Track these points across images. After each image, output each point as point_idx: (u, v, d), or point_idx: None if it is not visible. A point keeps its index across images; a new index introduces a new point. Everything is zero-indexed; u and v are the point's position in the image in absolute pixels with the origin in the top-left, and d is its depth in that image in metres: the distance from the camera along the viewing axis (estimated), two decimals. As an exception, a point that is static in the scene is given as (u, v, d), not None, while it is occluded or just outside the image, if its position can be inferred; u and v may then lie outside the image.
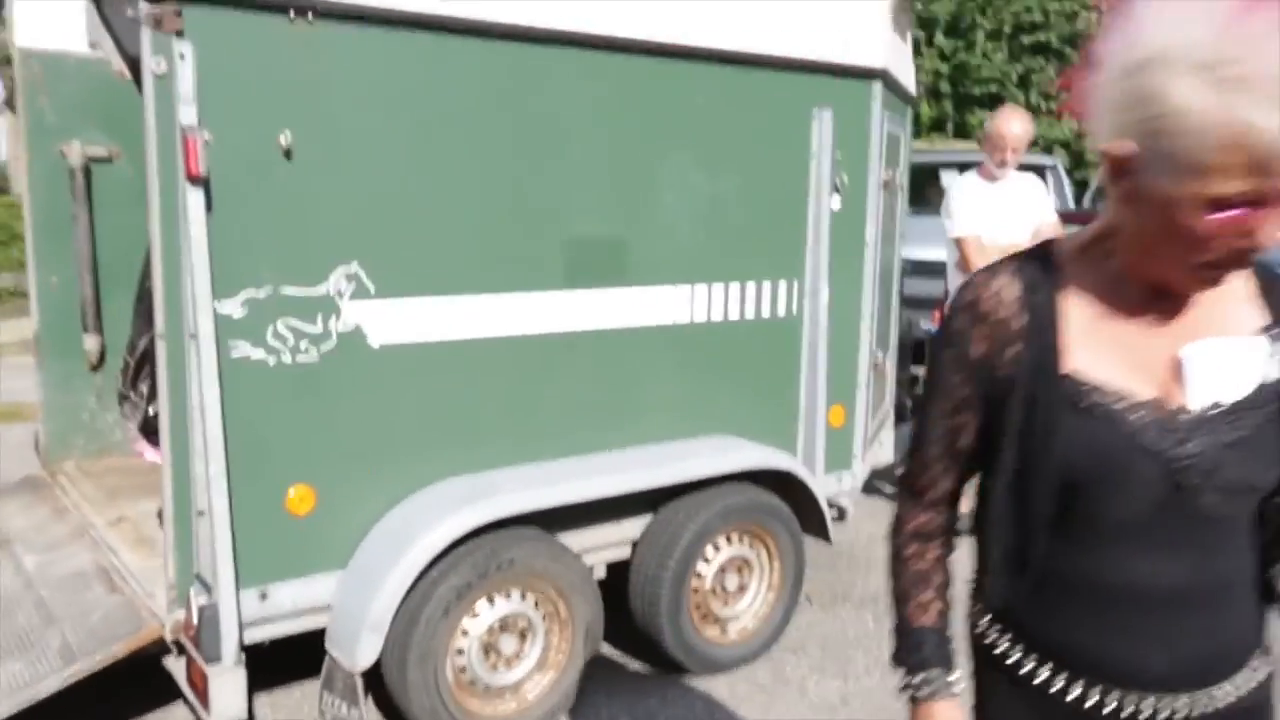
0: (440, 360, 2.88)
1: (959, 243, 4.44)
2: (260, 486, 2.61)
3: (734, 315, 3.53)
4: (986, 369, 1.26)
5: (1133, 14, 1.07)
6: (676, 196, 3.30)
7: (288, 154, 2.53)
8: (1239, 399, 1.18)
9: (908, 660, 1.38)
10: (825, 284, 3.68)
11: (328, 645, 2.76)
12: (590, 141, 3.08)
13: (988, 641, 1.36)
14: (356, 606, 2.70)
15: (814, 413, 3.73)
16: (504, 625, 2.96)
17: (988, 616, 1.36)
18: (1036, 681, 1.30)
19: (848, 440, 3.92)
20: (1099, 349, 1.21)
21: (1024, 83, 15.12)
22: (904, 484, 1.42)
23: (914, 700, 1.37)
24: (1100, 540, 1.23)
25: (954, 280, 4.57)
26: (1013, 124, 4.40)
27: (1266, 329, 1.21)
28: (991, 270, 1.28)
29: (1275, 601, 1.31)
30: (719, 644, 3.42)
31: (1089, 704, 1.28)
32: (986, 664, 1.38)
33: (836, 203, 3.70)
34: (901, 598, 1.40)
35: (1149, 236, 1.13)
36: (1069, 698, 1.28)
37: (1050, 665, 1.30)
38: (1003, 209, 4.45)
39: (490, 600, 2.92)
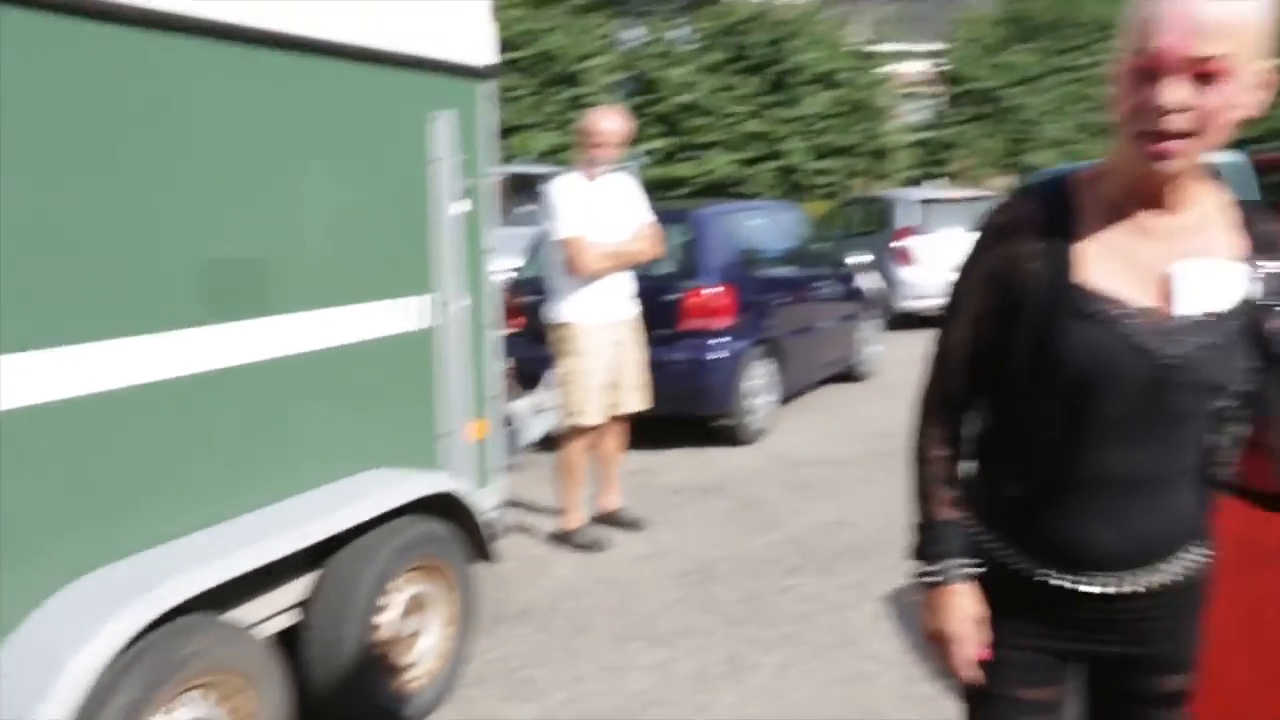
0: (50, 424, 2.29)
1: (565, 244, 4.51)
2: None
3: (368, 335, 3.26)
4: (1006, 281, 1.46)
5: None
6: (295, 211, 2.96)
7: None
8: (1216, 311, 1.41)
9: (929, 551, 1.57)
10: (456, 295, 3.55)
11: None
12: (183, 150, 2.62)
13: (980, 542, 1.57)
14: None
15: (457, 430, 3.58)
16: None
17: (978, 518, 1.57)
18: (1022, 574, 1.53)
19: (489, 454, 3.82)
20: (1102, 264, 1.42)
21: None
22: (926, 394, 1.59)
23: (935, 585, 1.56)
24: (1088, 436, 1.44)
25: (557, 281, 4.62)
26: (607, 121, 4.56)
27: (1243, 256, 1.43)
28: (1018, 196, 1.50)
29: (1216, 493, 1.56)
30: (409, 694, 3.17)
31: (1062, 584, 1.51)
32: (977, 546, 1.58)
33: (461, 209, 3.58)
34: (924, 496, 1.58)
35: (1123, 127, 1.36)
36: (1055, 584, 1.51)
37: (1033, 556, 1.53)
38: (603, 207, 4.60)
39: (168, 712, 2.41)
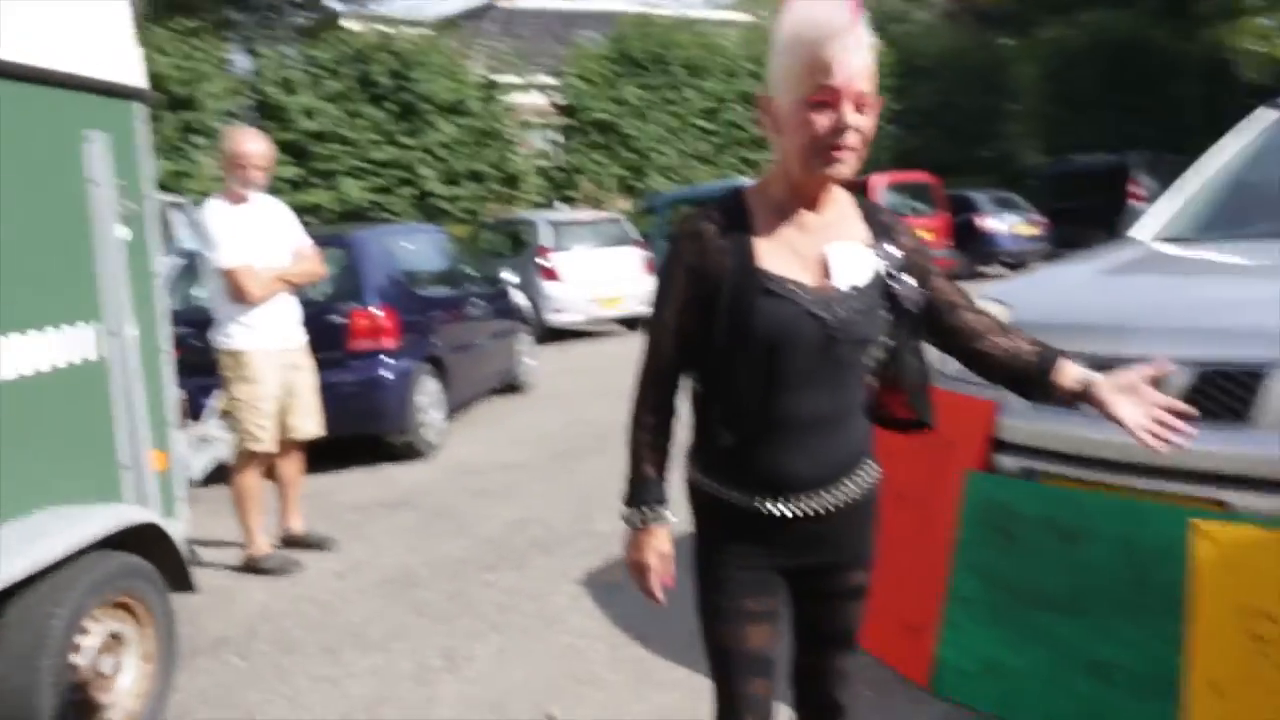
0: None
1: (229, 272, 4.36)
2: None
3: (31, 368, 3.02)
4: (703, 274, 1.77)
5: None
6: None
7: None
8: (860, 283, 1.79)
9: (637, 500, 1.87)
10: (125, 323, 3.37)
11: None
12: None
13: (703, 488, 1.87)
14: None
15: (139, 460, 3.40)
16: None
17: (700, 470, 1.87)
18: (739, 505, 1.83)
19: (172, 484, 3.64)
20: (776, 253, 1.77)
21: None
22: (642, 370, 1.86)
23: (639, 527, 1.88)
24: (784, 387, 1.78)
25: (222, 309, 4.45)
26: (252, 143, 4.47)
27: (869, 242, 1.84)
28: (705, 208, 1.82)
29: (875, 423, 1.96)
30: None
31: (772, 511, 1.82)
32: (703, 505, 1.88)
33: (124, 233, 3.40)
34: (635, 455, 1.88)
35: (792, 146, 1.71)
36: (765, 511, 1.82)
37: (749, 491, 1.82)
38: (260, 231, 4.49)
39: None
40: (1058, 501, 2.94)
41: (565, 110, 18.54)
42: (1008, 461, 3.15)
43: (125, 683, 3.08)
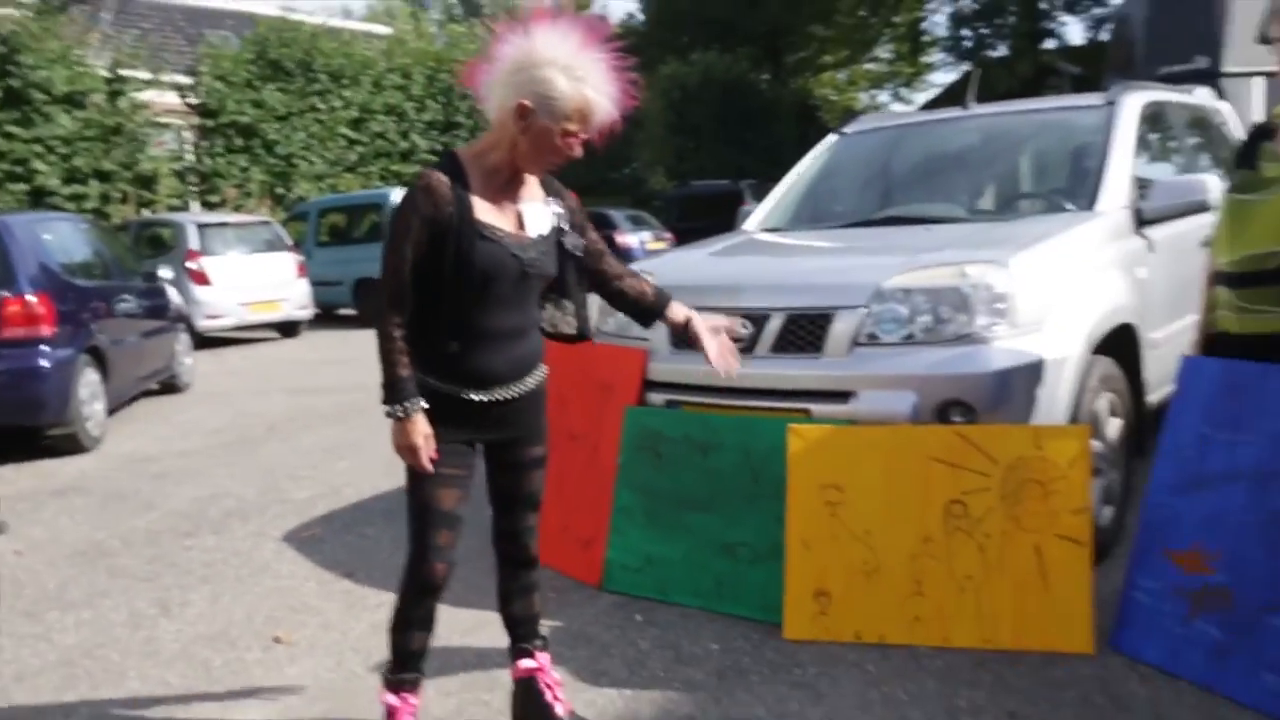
0: None
1: None
2: None
3: None
4: (434, 221, 2.33)
5: (520, 37, 2.29)
6: None
7: None
8: (544, 231, 2.48)
9: (396, 398, 2.37)
10: None
11: None
12: None
13: (429, 386, 2.41)
14: None
15: None
16: None
17: (420, 369, 2.40)
18: (454, 397, 2.43)
19: None
20: (487, 208, 2.39)
21: None
22: (386, 294, 2.37)
23: (401, 418, 2.37)
24: (491, 307, 2.41)
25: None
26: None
27: (547, 202, 2.53)
28: (430, 168, 2.39)
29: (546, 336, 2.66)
30: None
31: (476, 399, 2.46)
32: (429, 398, 2.41)
33: None
34: (388, 361, 2.36)
35: (533, 148, 2.35)
36: (471, 399, 2.45)
37: (461, 384, 2.43)
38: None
39: None
40: (695, 423, 3.76)
41: (202, 111, 17.78)
42: (656, 397, 3.95)
43: None
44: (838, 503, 3.36)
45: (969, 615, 3.20)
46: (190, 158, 17.79)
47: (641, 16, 37.95)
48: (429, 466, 2.41)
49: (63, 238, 6.98)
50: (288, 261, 12.56)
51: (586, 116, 2.31)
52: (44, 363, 6.00)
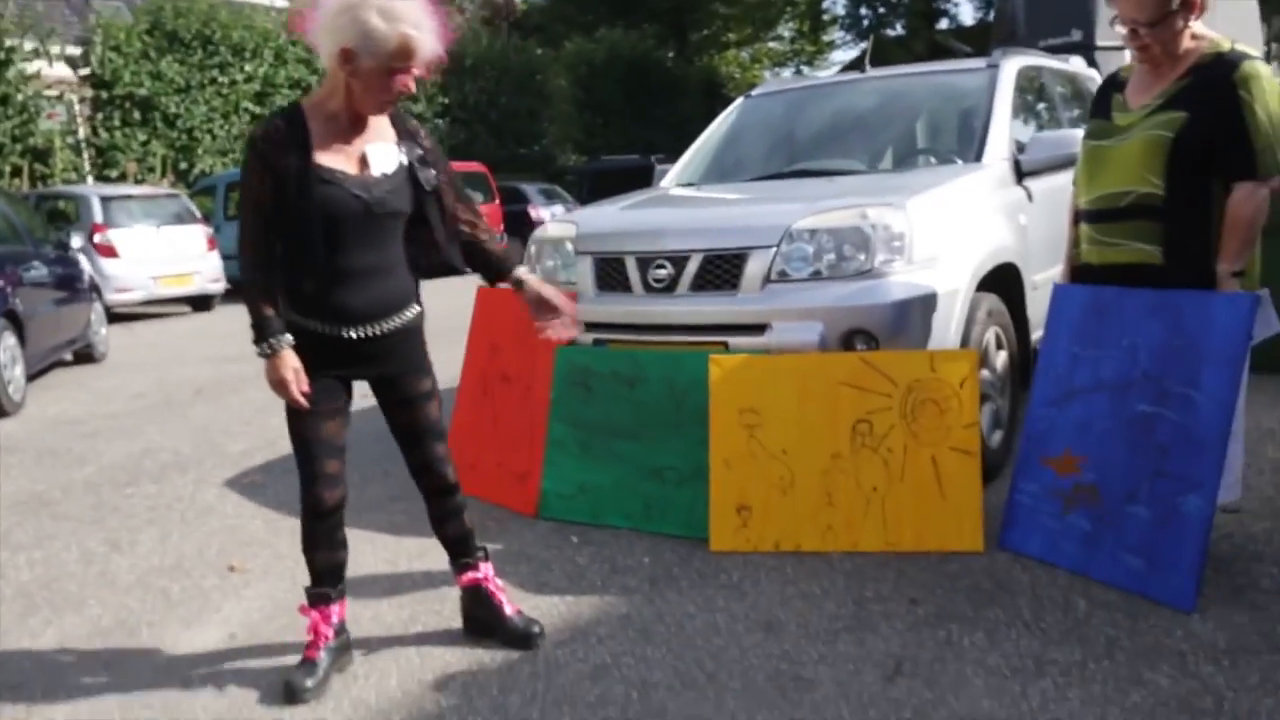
0: None
1: None
2: None
3: None
4: (275, 169, 2.47)
5: None
6: None
7: None
8: (389, 170, 2.61)
9: (262, 336, 2.54)
10: None
11: None
12: None
13: (292, 321, 2.58)
14: None
15: None
16: None
17: (289, 308, 2.57)
18: (322, 334, 2.60)
19: None
20: (328, 151, 2.53)
21: None
22: (244, 240, 2.54)
23: (269, 355, 2.54)
24: (342, 248, 2.55)
25: None
26: None
27: (398, 142, 2.66)
28: (271, 118, 2.55)
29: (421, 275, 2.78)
30: None
31: (343, 335, 2.61)
32: (299, 336, 2.58)
33: None
34: (253, 305, 2.54)
35: (364, 90, 2.49)
36: (337, 335, 2.60)
37: (327, 322, 2.59)
38: None
39: None
40: (622, 359, 4.04)
41: (95, 82, 17.29)
42: (584, 337, 4.21)
43: None
44: (755, 425, 3.68)
45: (875, 522, 3.56)
46: (84, 131, 17.29)
47: (546, -7, 38.03)
48: (301, 400, 2.57)
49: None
50: (198, 234, 12.42)
51: (409, 53, 2.43)
52: (-39, 326, 5.97)
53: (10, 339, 6.51)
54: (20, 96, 15.49)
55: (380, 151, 2.59)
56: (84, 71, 17.39)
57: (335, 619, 2.81)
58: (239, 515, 4.29)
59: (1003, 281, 4.34)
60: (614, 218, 4.58)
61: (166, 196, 13.04)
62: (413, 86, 2.49)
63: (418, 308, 2.76)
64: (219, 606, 3.34)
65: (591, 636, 2.99)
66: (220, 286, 12.84)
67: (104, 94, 17.28)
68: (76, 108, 17.48)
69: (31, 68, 15.88)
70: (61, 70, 17.00)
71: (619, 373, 4.01)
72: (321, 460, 2.65)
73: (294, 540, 3.92)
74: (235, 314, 12.27)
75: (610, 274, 4.17)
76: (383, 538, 3.89)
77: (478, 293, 4.61)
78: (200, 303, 12.92)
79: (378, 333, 2.64)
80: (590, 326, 4.20)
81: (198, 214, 13.04)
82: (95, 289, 8.96)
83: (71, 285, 8.14)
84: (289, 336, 2.54)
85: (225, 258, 12.92)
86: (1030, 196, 4.68)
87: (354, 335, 2.61)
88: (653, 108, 26.39)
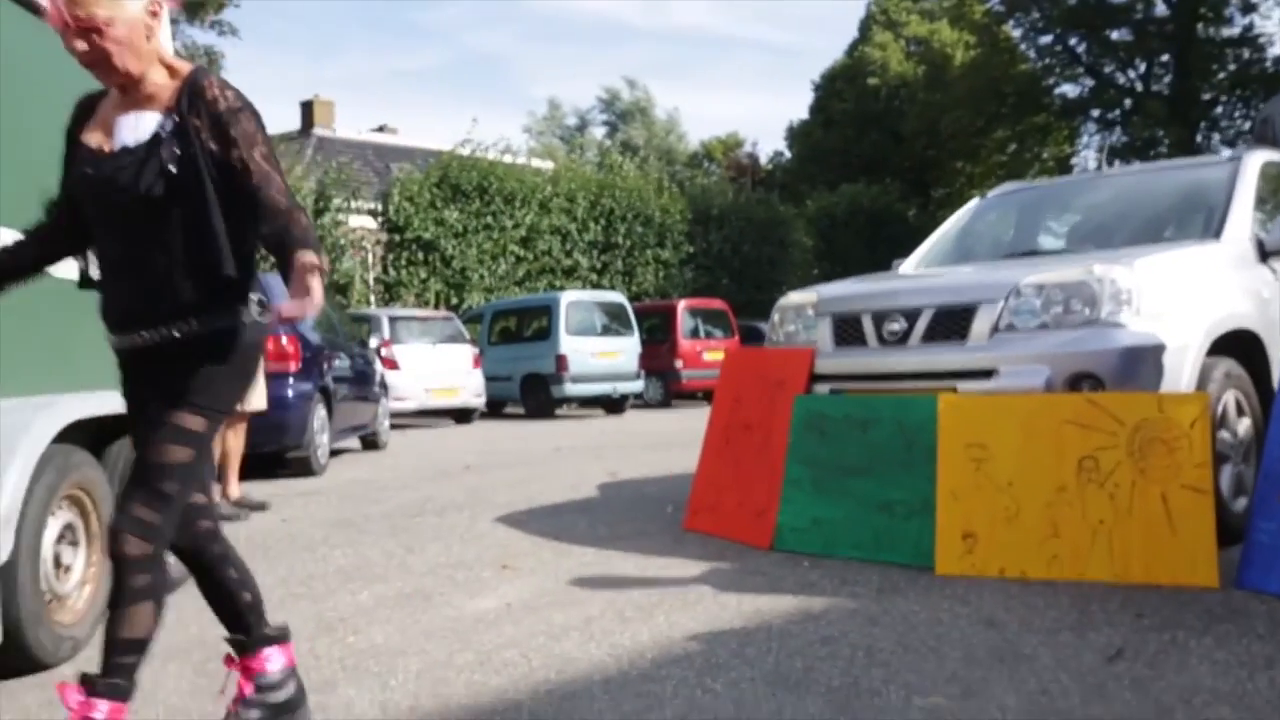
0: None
1: None
2: None
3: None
4: (68, 144, 2.20)
5: None
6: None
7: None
8: (129, 144, 2.10)
9: None
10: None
11: None
12: None
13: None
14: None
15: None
16: (62, 536, 3.02)
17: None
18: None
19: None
20: (93, 127, 2.16)
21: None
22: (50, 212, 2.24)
23: None
24: (100, 235, 2.16)
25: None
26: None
27: (166, 113, 2.12)
28: (82, 98, 2.23)
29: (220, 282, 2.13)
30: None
31: (112, 342, 2.18)
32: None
33: None
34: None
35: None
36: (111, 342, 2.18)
37: (105, 323, 2.17)
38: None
39: (57, 508, 2.98)
40: (855, 404, 4.39)
41: (390, 228, 19.71)
42: (821, 388, 4.60)
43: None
44: (982, 459, 3.91)
45: (1102, 553, 3.66)
46: (376, 269, 19.65)
47: (789, 154, 39.86)
48: None
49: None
50: (466, 353, 13.78)
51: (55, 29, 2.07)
52: (290, 393, 7.09)
53: (322, 411, 7.62)
54: (330, 239, 17.93)
55: (132, 121, 2.12)
56: (381, 219, 19.91)
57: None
58: (508, 537, 4.88)
59: (1244, 348, 4.38)
60: (852, 285, 5.01)
61: (443, 319, 14.60)
62: (76, 47, 2.04)
63: (204, 325, 2.11)
64: (496, 588, 3.87)
65: (822, 619, 3.28)
66: (481, 401, 14.08)
67: (396, 237, 19.64)
68: (371, 250, 19.93)
69: (341, 216, 18.40)
70: (363, 220, 19.56)
71: (852, 416, 4.35)
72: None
73: (555, 554, 4.49)
74: (491, 428, 13.50)
75: (847, 331, 4.57)
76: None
77: (726, 353, 5.12)
78: (462, 415, 14.19)
79: (138, 345, 2.12)
80: (827, 378, 4.59)
81: (467, 335, 14.49)
82: (384, 387, 10.21)
83: (367, 381, 9.36)
84: None
85: (488, 378, 14.22)
86: (1277, 275, 4.72)
87: (128, 344, 2.15)
88: (892, 259, 26.79)
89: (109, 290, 2.14)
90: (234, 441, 5.67)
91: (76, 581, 3.09)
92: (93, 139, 2.13)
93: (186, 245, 2.08)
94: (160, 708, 2.62)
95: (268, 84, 58.51)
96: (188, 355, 2.09)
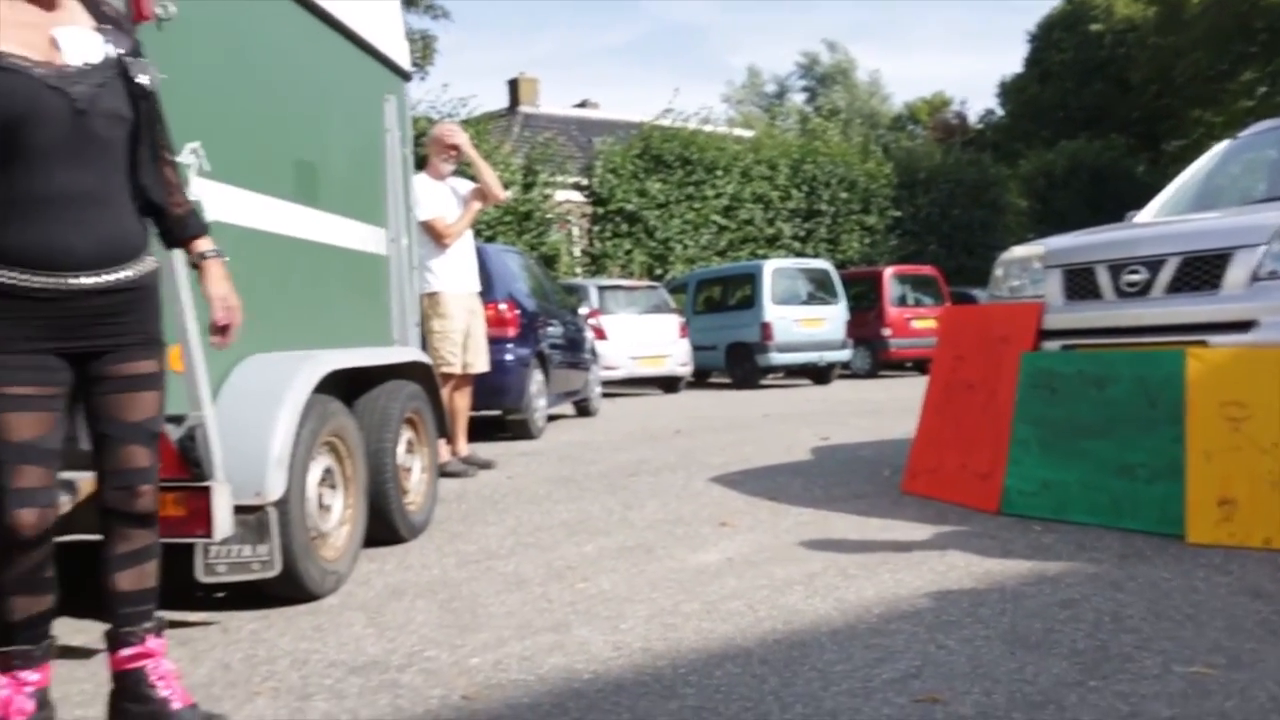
0: (247, 246, 3.14)
1: (426, 224, 5.62)
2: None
3: (362, 248, 4.20)
4: None
5: None
6: (329, 139, 3.93)
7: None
8: (93, 60, 1.94)
9: None
10: (403, 233, 4.59)
11: (213, 488, 2.62)
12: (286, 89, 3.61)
13: None
14: (252, 445, 2.83)
15: (406, 330, 4.55)
16: (323, 479, 3.28)
17: None
18: (24, 286, 1.87)
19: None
20: (10, 37, 1.86)
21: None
22: None
23: None
24: (37, 161, 1.85)
25: (424, 251, 5.65)
26: (455, 135, 5.82)
27: (97, 29, 1.99)
28: None
29: (152, 214, 2.10)
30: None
31: (59, 284, 1.89)
32: None
33: (401, 170, 4.64)
34: None
35: None
36: (49, 286, 1.88)
37: (33, 265, 1.87)
38: (451, 199, 5.85)
39: (318, 453, 3.24)
40: (1089, 360, 4.13)
41: (594, 200, 20.13)
42: (1050, 344, 4.36)
43: (416, 476, 4.19)
44: (1240, 418, 3.60)
45: (1388, 523, 3.31)
46: (582, 242, 20.14)
47: (1001, 112, 37.89)
48: None
49: (520, 266, 8.54)
50: (672, 322, 13.92)
51: None
52: (509, 358, 7.39)
53: (539, 376, 7.90)
54: (537, 213, 18.53)
55: (77, 35, 1.94)
56: (585, 191, 20.38)
57: (33, 687, 2.00)
58: (724, 496, 4.91)
59: None
60: (1083, 237, 4.71)
61: (648, 288, 14.81)
62: None
63: (152, 260, 2.08)
64: (715, 543, 3.90)
65: (1060, 583, 3.13)
66: (688, 370, 14.20)
67: (599, 210, 20.06)
68: (576, 223, 20.44)
69: (547, 191, 18.96)
70: (568, 194, 20.08)
71: (1085, 373, 4.10)
72: (14, 469, 1.89)
73: (771, 514, 4.48)
74: (697, 397, 13.61)
75: (1079, 283, 4.30)
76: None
77: (943, 311, 4.94)
78: (669, 384, 14.36)
79: (93, 286, 1.93)
80: (1057, 334, 4.34)
81: (673, 305, 14.63)
82: (594, 353, 10.47)
83: (579, 347, 9.63)
84: None
85: (695, 348, 14.32)
86: None
87: (83, 283, 1.92)
88: (1115, 218, 25.03)
89: (70, 226, 1.89)
90: (461, 401, 5.96)
91: (335, 521, 3.35)
92: (20, 48, 1.85)
93: (133, 180, 2.02)
94: (413, 637, 2.80)
95: (476, 65, 61.08)
96: (149, 293, 2.06)
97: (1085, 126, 30.21)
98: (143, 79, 1.99)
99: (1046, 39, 34.48)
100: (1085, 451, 4.04)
